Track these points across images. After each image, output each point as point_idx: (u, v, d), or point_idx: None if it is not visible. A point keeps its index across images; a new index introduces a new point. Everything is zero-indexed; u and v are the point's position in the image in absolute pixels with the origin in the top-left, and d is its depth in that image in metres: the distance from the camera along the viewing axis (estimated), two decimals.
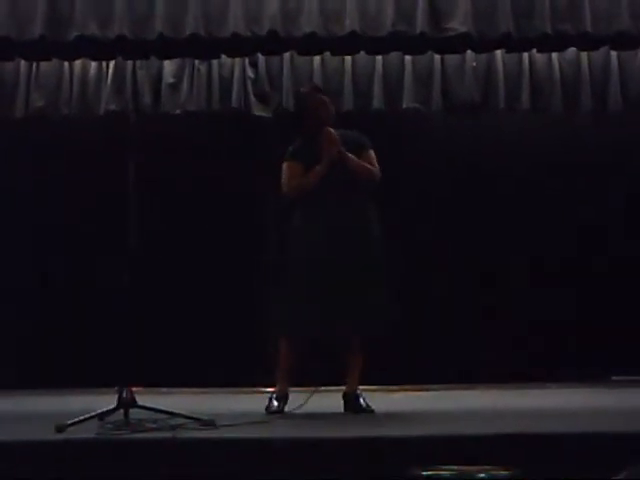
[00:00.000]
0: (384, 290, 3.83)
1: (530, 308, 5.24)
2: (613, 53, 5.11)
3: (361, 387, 3.89)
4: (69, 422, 3.18)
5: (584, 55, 5.15)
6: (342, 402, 3.85)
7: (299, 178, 3.87)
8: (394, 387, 4.79)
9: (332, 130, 3.85)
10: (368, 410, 3.80)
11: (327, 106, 3.93)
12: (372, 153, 3.94)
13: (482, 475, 2.71)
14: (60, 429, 3.14)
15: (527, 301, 5.25)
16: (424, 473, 2.73)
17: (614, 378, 5.17)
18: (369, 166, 3.88)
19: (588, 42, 4.74)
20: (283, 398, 3.83)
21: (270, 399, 3.85)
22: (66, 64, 5.11)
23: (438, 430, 3.29)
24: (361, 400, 3.83)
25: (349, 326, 3.80)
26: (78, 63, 5.11)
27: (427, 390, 4.81)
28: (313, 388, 3.79)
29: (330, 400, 3.84)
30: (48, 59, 4.97)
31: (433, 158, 5.31)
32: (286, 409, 3.80)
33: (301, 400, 3.76)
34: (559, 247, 5.27)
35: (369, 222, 3.88)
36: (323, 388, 3.85)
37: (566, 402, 4.30)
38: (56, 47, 4.61)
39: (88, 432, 3.11)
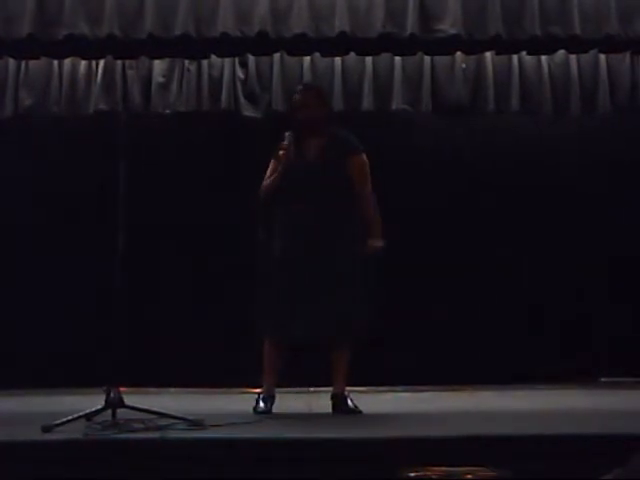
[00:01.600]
0: (360, 291, 3.81)
1: (518, 310, 5.25)
2: (602, 56, 5.14)
3: (349, 388, 3.88)
4: (56, 422, 3.17)
5: (573, 58, 5.17)
6: (330, 403, 3.85)
7: (267, 180, 3.91)
8: (383, 388, 4.79)
9: (290, 138, 3.82)
10: (356, 411, 3.80)
11: (303, 109, 3.88)
12: (362, 158, 3.90)
13: (469, 476, 2.72)
14: (47, 429, 3.13)
15: (515, 303, 5.26)
16: (412, 474, 2.73)
17: (603, 380, 5.20)
18: (376, 220, 3.84)
19: (577, 45, 4.75)
20: (270, 398, 3.83)
21: (257, 400, 3.84)
22: (55, 63, 5.09)
23: (426, 431, 3.30)
24: (349, 401, 3.83)
25: (328, 327, 3.78)
26: (67, 62, 5.09)
27: (415, 391, 4.81)
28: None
29: (319, 401, 3.84)
30: (37, 58, 4.94)
31: (422, 159, 5.31)
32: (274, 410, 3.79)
33: (290, 400, 3.75)
34: (548, 248, 5.29)
35: (348, 223, 3.85)
36: (312, 389, 3.85)
37: (554, 403, 4.31)
38: (45, 46, 4.58)
39: (75, 432, 3.10)
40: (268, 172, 3.96)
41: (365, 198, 3.87)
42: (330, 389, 3.87)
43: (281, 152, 3.85)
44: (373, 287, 3.86)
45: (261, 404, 3.81)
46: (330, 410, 3.82)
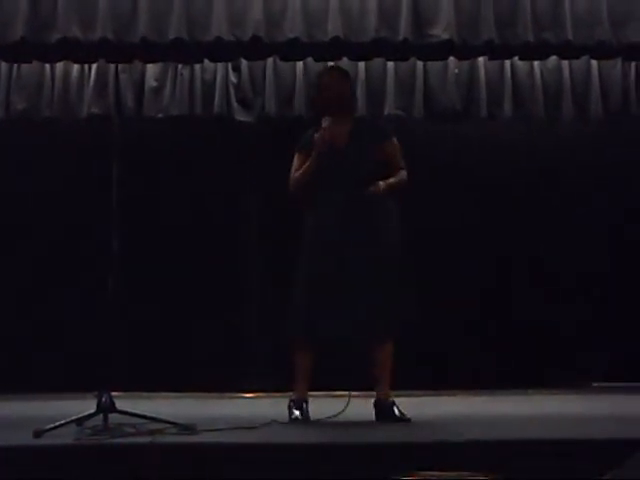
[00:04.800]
0: (399, 289, 3.66)
1: (511, 314, 5.25)
2: (594, 62, 5.16)
3: (353, 393, 3.82)
4: (47, 427, 3.16)
5: (565, 63, 5.19)
6: (374, 410, 3.69)
7: (297, 172, 3.73)
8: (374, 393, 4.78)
9: (327, 122, 3.67)
10: (404, 419, 3.61)
11: (334, 89, 3.73)
12: (395, 142, 3.77)
13: None
14: (38, 434, 3.12)
15: (507, 308, 5.27)
16: (403, 479, 2.73)
17: (595, 384, 5.20)
18: (398, 179, 3.72)
19: (569, 51, 4.77)
20: (304, 403, 3.68)
21: (289, 407, 3.68)
22: (47, 66, 5.09)
23: (419, 436, 3.30)
24: (395, 409, 3.65)
25: (364, 329, 3.61)
26: (60, 65, 5.09)
27: (409, 396, 4.80)
28: (348, 393, 3.65)
29: (313, 405, 3.81)
30: (29, 61, 4.94)
31: (414, 164, 5.29)
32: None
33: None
34: (541, 251, 5.30)
35: (382, 218, 3.70)
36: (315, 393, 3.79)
37: (546, 408, 4.31)
38: (37, 49, 4.58)
39: (66, 437, 3.09)
40: (295, 165, 3.76)
41: (398, 174, 3.75)
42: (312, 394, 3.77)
43: (316, 135, 3.67)
44: (410, 277, 3.70)
45: (295, 411, 3.66)
46: (317, 415, 3.73)
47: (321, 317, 3.62)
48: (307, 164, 3.72)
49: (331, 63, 4.76)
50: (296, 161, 3.79)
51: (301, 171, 3.74)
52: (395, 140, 3.80)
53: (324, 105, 3.76)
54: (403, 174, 3.77)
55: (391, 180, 3.72)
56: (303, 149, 3.78)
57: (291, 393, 3.75)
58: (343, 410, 3.65)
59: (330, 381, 4.04)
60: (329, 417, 3.64)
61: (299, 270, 3.72)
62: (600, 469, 2.68)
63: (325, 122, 3.69)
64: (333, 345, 3.73)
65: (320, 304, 3.62)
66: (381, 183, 3.69)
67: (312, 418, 3.68)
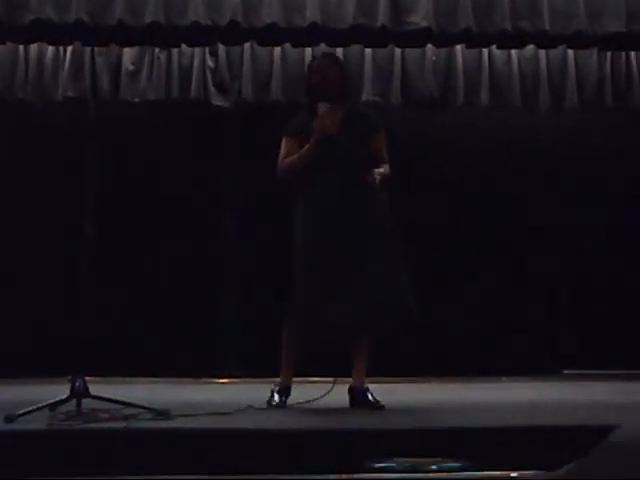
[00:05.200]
0: (394, 272, 3.63)
1: (482, 302, 5.28)
2: (570, 52, 5.19)
3: (307, 379, 3.79)
4: (19, 412, 3.14)
5: (542, 53, 5.22)
6: (348, 396, 3.70)
7: (289, 158, 3.65)
8: (348, 380, 4.79)
9: (325, 108, 3.59)
10: (378, 405, 3.61)
11: (321, 73, 3.67)
12: (383, 135, 3.72)
13: (434, 466, 2.75)
14: (10, 419, 3.10)
15: (478, 295, 5.29)
16: (377, 465, 2.75)
17: (565, 372, 5.26)
18: (383, 171, 3.62)
19: (546, 40, 4.81)
20: (286, 390, 3.70)
21: (272, 392, 3.69)
22: (21, 47, 5.02)
23: (393, 423, 3.32)
24: (369, 395, 3.65)
25: (354, 322, 3.60)
26: (34, 47, 5.02)
27: (380, 383, 4.82)
28: (333, 379, 3.66)
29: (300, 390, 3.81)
30: (2, 42, 4.88)
31: (391, 151, 5.30)
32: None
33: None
34: (516, 238, 5.34)
35: (374, 207, 3.64)
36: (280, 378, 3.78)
37: (517, 396, 4.35)
38: (10, 30, 4.53)
39: (39, 423, 3.07)
40: (284, 150, 3.66)
41: (384, 167, 3.68)
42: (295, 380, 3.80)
43: (315, 122, 3.57)
44: (405, 266, 3.67)
45: (275, 397, 3.67)
46: (292, 401, 3.74)
47: (313, 310, 3.59)
48: (304, 150, 3.62)
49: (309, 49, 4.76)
50: (285, 146, 3.69)
51: (296, 157, 3.65)
52: (383, 132, 3.75)
53: (312, 91, 3.71)
54: (387, 168, 3.71)
55: (381, 170, 3.66)
56: (293, 134, 3.70)
57: (267, 380, 3.76)
58: (322, 396, 3.65)
59: (317, 366, 4.04)
60: (306, 402, 3.65)
61: (294, 259, 3.66)
62: (570, 456, 2.71)
63: (321, 108, 3.61)
64: (321, 338, 3.72)
65: (313, 296, 3.58)
66: (376, 171, 3.62)
67: (292, 403, 3.69)
